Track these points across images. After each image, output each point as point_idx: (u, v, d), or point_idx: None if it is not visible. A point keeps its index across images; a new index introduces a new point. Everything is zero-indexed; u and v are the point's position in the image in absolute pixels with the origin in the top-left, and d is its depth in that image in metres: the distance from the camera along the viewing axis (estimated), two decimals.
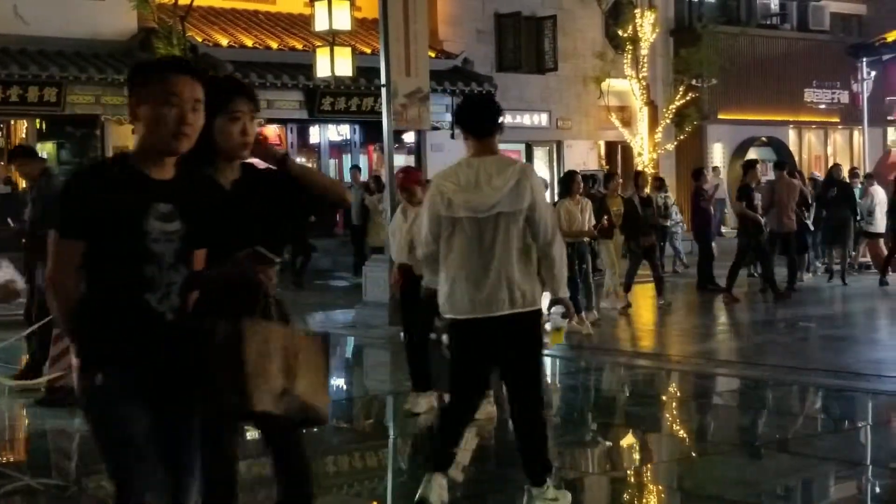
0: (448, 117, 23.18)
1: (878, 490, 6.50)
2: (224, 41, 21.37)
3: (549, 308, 5.54)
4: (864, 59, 21.90)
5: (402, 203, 8.79)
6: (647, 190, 17.12)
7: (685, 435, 8.24)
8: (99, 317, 3.42)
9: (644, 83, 25.55)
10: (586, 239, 12.70)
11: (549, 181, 23.21)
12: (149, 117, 3.41)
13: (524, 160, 26.18)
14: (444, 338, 5.83)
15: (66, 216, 3.38)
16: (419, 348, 8.15)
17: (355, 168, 21.98)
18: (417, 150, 23.55)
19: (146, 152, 3.44)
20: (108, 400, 3.40)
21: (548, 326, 5.69)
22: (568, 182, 12.57)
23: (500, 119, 5.65)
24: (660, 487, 6.69)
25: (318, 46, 17.12)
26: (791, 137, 30.29)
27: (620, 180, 15.03)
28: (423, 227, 5.53)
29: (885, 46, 21.57)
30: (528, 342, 5.43)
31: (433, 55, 21.40)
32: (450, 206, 5.37)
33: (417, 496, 5.50)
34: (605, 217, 13.31)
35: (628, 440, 8.03)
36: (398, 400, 9.34)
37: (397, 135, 19.82)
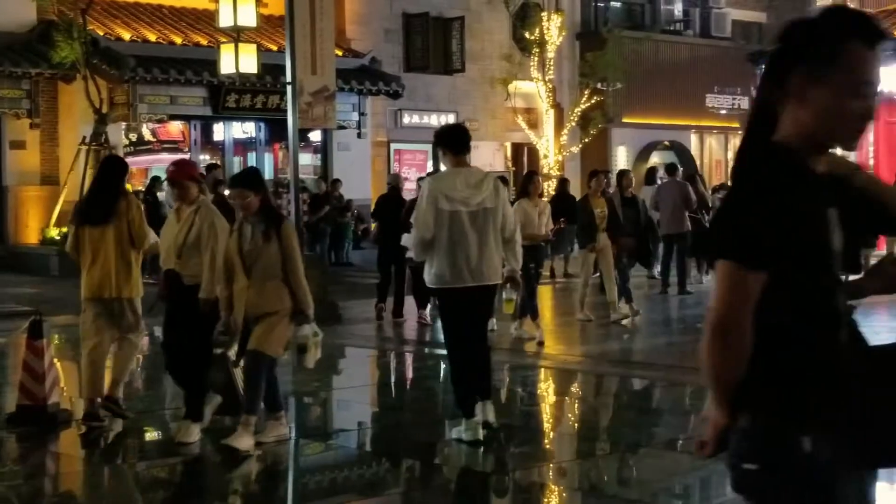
0: (355, 116, 23.13)
1: None
2: (126, 35, 20.98)
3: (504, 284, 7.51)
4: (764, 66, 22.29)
5: (175, 204, 7.51)
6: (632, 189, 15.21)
7: (583, 435, 8.30)
8: (804, 365, 2.56)
9: (550, 86, 25.76)
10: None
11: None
12: (827, 107, 2.57)
13: (431, 161, 26.24)
14: (232, 352, 6.95)
15: (755, 239, 2.51)
16: (197, 366, 7.12)
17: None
18: (324, 149, 23.43)
19: (808, 145, 2.62)
20: (822, 473, 2.55)
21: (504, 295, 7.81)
22: (526, 183, 12.22)
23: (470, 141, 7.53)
24: (558, 487, 6.72)
25: (223, 43, 16.91)
26: (693, 142, 30.81)
27: (605, 179, 14.30)
28: (425, 217, 7.09)
29: None
30: (491, 303, 7.60)
31: (340, 54, 21.30)
32: (450, 201, 7.06)
33: (466, 438, 7.09)
34: (562, 220, 13.30)
35: (527, 441, 8.06)
36: (298, 401, 9.25)
37: (303, 133, 19.69)
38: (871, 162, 21.84)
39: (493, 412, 7.31)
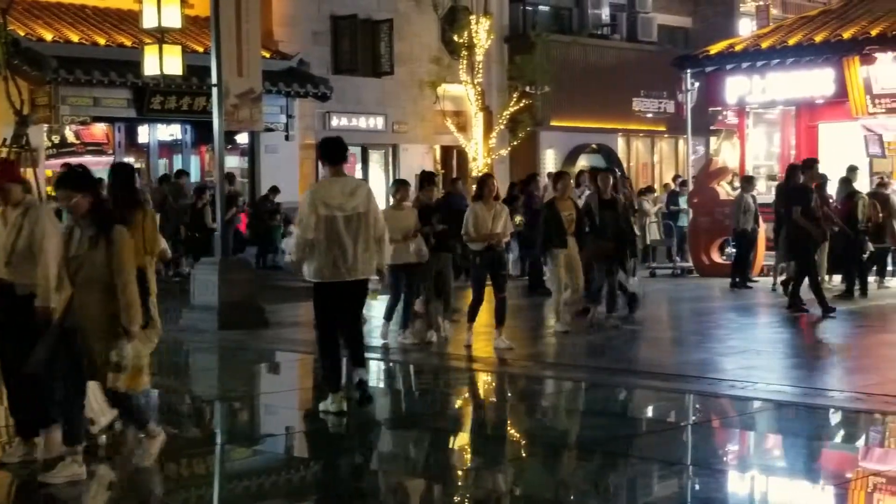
0: (283, 119, 22.97)
1: (697, 489, 6.68)
2: (48, 36, 20.61)
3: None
4: (689, 71, 22.56)
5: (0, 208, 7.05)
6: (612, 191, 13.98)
7: (508, 437, 8.32)
8: None
9: (479, 89, 25.82)
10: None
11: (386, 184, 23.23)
12: None
13: (360, 163, 26.19)
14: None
15: None
16: (32, 383, 6.71)
17: None
18: (251, 152, 23.23)
19: None
20: None
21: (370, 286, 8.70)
22: (480, 186, 11.99)
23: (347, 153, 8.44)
24: (482, 489, 6.72)
25: (147, 44, 16.68)
26: (620, 145, 31.08)
27: (571, 180, 13.55)
28: (307, 221, 8.07)
29: (709, 59, 22.28)
30: (363, 295, 8.50)
31: (268, 56, 21.12)
32: (328, 207, 8.05)
33: (333, 410, 8.24)
34: (520, 221, 13.06)
35: (451, 442, 8.07)
36: (225, 405, 9.17)
37: (230, 136, 19.52)
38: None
39: (367, 373, 8.67)
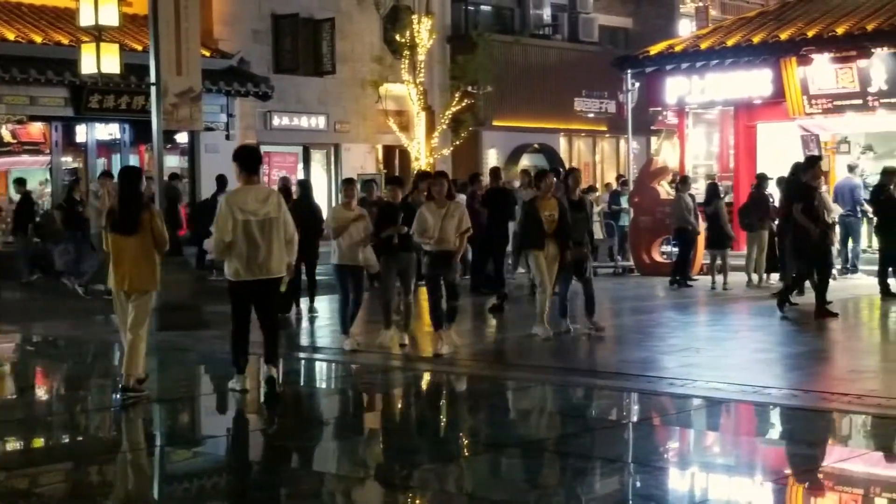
0: (223, 118, 22.79)
1: (638, 486, 6.71)
2: None
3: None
4: (629, 71, 22.72)
5: None
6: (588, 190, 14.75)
7: (450, 436, 8.31)
8: None
9: (421, 88, 25.81)
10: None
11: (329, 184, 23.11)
12: None
13: (302, 163, 26.06)
14: None
15: None
16: None
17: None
18: (191, 151, 22.99)
19: None
20: None
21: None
22: (429, 187, 11.56)
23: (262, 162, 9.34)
24: (425, 489, 6.70)
25: (84, 42, 16.43)
26: (562, 145, 31.23)
27: (554, 179, 12.67)
28: (224, 225, 8.89)
29: (649, 59, 22.45)
30: (276, 291, 9.24)
31: (207, 54, 20.96)
32: (243, 212, 8.90)
33: (238, 388, 9.22)
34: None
35: (395, 442, 8.05)
36: (161, 407, 9.07)
37: (169, 135, 19.32)
38: (732, 165, 22.46)
39: (277, 372, 9.28)
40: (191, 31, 14.58)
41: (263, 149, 24.92)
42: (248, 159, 9.20)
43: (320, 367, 11.49)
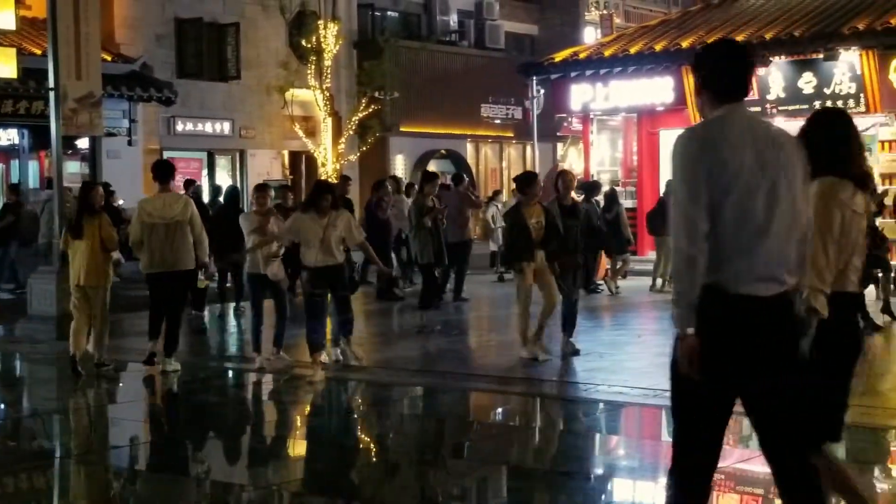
0: (125, 123, 22.45)
1: (542, 490, 6.76)
2: None
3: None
4: (535, 78, 22.93)
5: None
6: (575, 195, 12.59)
7: (356, 444, 8.29)
8: None
9: (328, 94, 25.71)
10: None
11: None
12: None
13: (206, 169, 25.77)
14: None
15: None
16: None
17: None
18: (93, 157, 22.60)
19: None
20: None
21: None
22: (311, 195, 10.68)
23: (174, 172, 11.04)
24: (329, 497, 6.67)
25: None
26: (469, 151, 31.39)
27: (542, 183, 11.80)
28: (137, 227, 10.53)
29: (554, 66, 22.66)
30: (183, 284, 10.84)
31: (109, 59, 20.62)
32: (150, 216, 10.51)
33: (170, 369, 10.63)
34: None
35: (297, 451, 7.99)
36: (65, 418, 8.88)
37: (69, 140, 18.93)
38: (635, 171, 22.78)
39: (171, 364, 10.64)
40: (91, 35, 14.32)
41: (167, 154, 24.73)
42: (162, 171, 10.91)
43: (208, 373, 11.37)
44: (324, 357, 10.55)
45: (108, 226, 10.73)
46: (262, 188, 11.53)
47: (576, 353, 11.09)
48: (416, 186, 18.62)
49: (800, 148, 4.28)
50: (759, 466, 7.13)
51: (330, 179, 23.56)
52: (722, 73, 4.25)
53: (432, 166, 29.67)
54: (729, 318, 4.02)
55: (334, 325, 11.02)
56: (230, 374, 11.36)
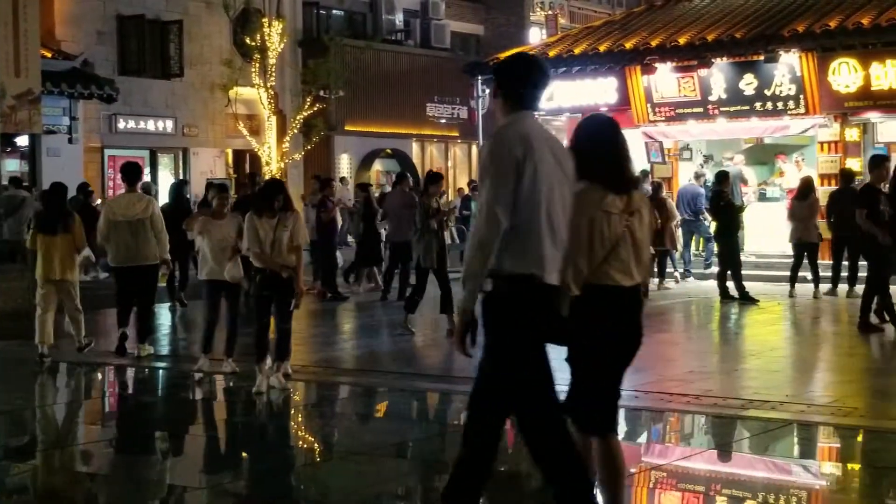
0: (66, 121, 22.15)
1: (490, 488, 6.76)
2: None
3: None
4: (480, 78, 23.00)
5: None
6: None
7: (300, 444, 8.25)
8: None
9: (272, 92, 25.58)
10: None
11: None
12: None
13: (149, 167, 25.49)
14: None
15: None
16: None
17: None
18: (32, 155, 22.28)
19: None
20: None
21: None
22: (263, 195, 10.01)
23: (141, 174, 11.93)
24: (271, 497, 6.63)
25: None
26: (414, 150, 31.38)
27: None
28: (104, 224, 11.31)
29: None
30: (148, 277, 11.60)
31: (49, 56, 20.36)
32: (115, 214, 11.32)
33: (143, 354, 11.40)
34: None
35: (237, 451, 7.94)
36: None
37: (8, 138, 18.71)
38: None
39: (145, 349, 11.37)
40: (30, 32, 14.18)
41: (108, 152, 24.48)
42: (129, 173, 11.66)
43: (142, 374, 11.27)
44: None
45: (79, 225, 11.56)
46: (220, 188, 10.91)
47: None
48: (421, 186, 18.58)
49: (568, 151, 4.84)
50: (700, 464, 7.21)
51: (274, 178, 23.45)
52: (522, 85, 4.72)
53: (377, 165, 29.65)
54: (538, 305, 4.56)
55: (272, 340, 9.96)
56: (172, 373, 11.24)
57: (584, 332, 4.92)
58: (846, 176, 16.64)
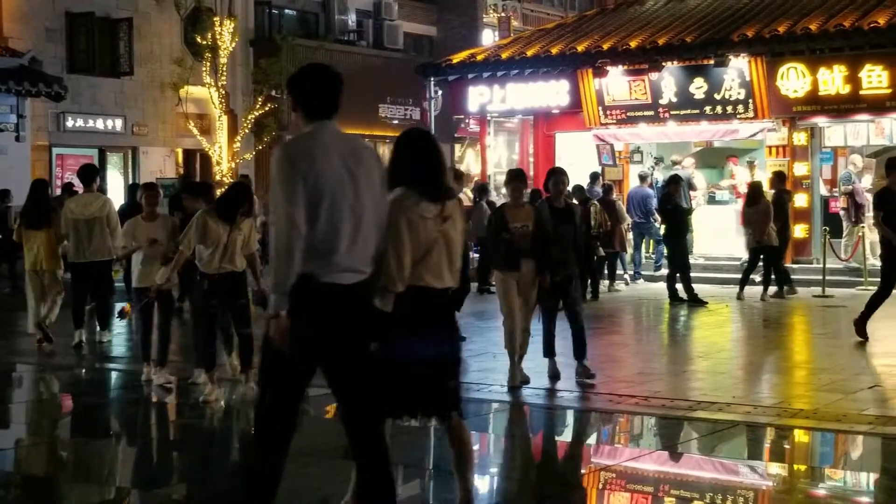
0: (13, 119, 21.86)
1: (433, 490, 6.76)
2: None
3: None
4: (433, 79, 23.01)
5: None
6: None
7: (231, 445, 8.18)
8: None
9: (223, 91, 25.39)
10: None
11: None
12: None
13: (97, 166, 25.16)
14: None
15: None
16: None
17: None
18: None
19: None
20: None
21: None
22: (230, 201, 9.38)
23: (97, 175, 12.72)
24: (210, 498, 6.57)
25: None
26: None
27: (527, 182, 10.27)
28: (65, 221, 11.95)
29: (451, 67, 22.73)
30: (103, 272, 12.32)
31: None
32: (73, 213, 11.93)
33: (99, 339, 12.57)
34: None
35: (170, 453, 7.87)
36: None
37: None
38: (532, 173, 22.96)
39: (106, 336, 12.60)
40: None
41: (56, 151, 24.16)
42: (86, 173, 12.35)
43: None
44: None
45: (59, 218, 12.33)
46: (150, 187, 10.45)
47: (590, 377, 9.64)
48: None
49: (377, 158, 5.09)
50: (648, 464, 7.25)
51: (225, 180, 23.31)
52: (314, 95, 4.98)
53: None
54: (318, 301, 4.73)
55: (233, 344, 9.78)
56: (120, 376, 11.12)
57: (397, 330, 5.23)
58: (755, 190, 16.84)
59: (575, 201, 15.30)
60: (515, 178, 9.54)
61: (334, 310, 4.78)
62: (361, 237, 4.85)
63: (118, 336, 13.14)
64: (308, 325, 4.72)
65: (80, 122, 24.50)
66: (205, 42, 24.89)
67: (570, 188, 17.91)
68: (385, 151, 29.46)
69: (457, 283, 5.56)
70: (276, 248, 4.71)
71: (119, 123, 25.37)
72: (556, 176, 10.00)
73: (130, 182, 23.69)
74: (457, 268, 5.50)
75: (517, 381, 9.46)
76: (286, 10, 30.25)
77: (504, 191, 10.85)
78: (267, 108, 25.54)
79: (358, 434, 4.98)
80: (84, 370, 11.41)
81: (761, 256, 16.71)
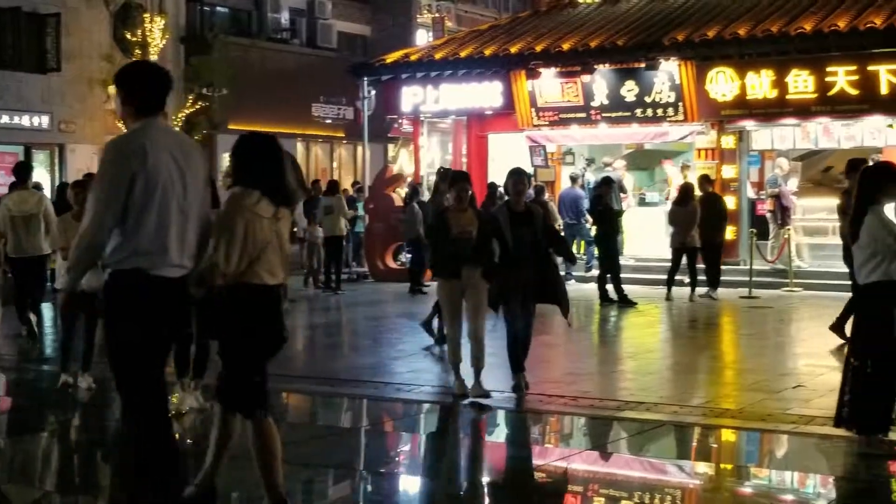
0: None
1: (369, 491, 6.73)
2: None
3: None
4: (366, 79, 22.94)
5: None
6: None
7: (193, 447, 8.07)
8: None
9: None
10: None
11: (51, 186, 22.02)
12: None
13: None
14: None
15: None
16: None
17: None
18: None
19: None
20: None
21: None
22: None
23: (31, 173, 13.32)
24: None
25: None
26: (299, 150, 31.08)
27: (470, 184, 9.32)
28: (3, 218, 12.23)
29: (385, 67, 22.69)
30: (38, 267, 12.69)
31: None
32: (10, 210, 12.28)
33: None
34: None
35: (98, 454, 7.76)
36: None
37: None
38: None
39: (36, 327, 12.83)
40: None
41: None
42: (21, 171, 12.92)
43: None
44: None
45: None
46: (77, 185, 10.32)
47: (525, 387, 9.22)
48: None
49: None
50: (578, 464, 7.28)
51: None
52: (142, 92, 4.99)
53: None
54: (147, 294, 4.85)
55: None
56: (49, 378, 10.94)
57: (233, 325, 5.43)
58: (685, 191, 17.02)
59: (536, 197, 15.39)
60: (460, 179, 9.12)
61: (163, 302, 4.90)
62: (187, 232, 4.98)
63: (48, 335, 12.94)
64: (141, 316, 4.86)
65: (4, 119, 24.08)
66: (135, 39, 24.63)
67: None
68: (318, 151, 29.43)
69: (287, 279, 5.79)
70: (78, 244, 4.86)
71: (45, 120, 24.97)
72: (516, 177, 9.39)
73: (59, 181, 23.30)
74: (287, 265, 5.71)
75: (463, 389, 8.99)
76: (218, 8, 29.99)
77: (447, 192, 10.12)
78: (198, 107, 25.29)
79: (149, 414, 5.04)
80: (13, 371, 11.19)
81: (683, 256, 16.87)
